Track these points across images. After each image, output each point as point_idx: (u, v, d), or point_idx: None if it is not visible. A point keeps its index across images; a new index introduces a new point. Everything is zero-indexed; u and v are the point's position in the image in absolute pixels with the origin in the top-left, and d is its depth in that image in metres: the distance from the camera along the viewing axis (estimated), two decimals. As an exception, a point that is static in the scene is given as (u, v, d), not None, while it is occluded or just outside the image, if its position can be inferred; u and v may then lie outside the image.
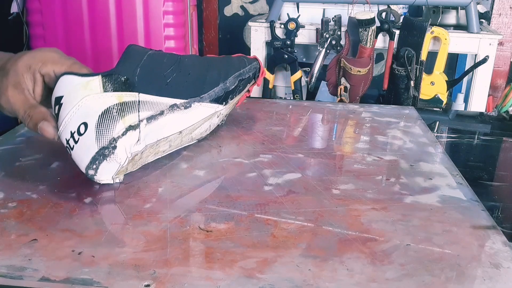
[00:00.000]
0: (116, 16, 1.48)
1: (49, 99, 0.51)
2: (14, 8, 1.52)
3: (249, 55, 0.67)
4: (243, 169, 0.55)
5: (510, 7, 1.74)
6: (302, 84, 1.57)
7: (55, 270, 0.37)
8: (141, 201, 0.47)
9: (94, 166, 0.48)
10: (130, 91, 0.50)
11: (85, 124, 0.47)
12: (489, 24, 1.72)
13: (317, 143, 0.66)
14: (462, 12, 1.48)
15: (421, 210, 0.47)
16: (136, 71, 0.51)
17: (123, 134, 0.48)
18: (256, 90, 1.63)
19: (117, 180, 0.50)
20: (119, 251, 0.39)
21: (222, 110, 0.60)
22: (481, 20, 1.53)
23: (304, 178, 0.53)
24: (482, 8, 1.58)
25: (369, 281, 0.36)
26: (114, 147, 0.48)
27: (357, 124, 0.73)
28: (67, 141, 0.48)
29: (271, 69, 1.57)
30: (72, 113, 0.48)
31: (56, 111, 0.49)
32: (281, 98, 1.67)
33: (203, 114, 0.57)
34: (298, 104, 0.87)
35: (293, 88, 1.57)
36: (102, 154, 0.47)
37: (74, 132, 0.47)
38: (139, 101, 0.50)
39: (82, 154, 0.48)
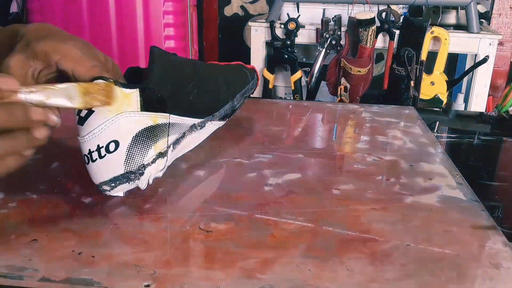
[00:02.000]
0: (116, 16, 1.48)
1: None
2: (14, 8, 1.52)
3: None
4: (243, 169, 0.55)
5: (510, 7, 1.74)
6: (302, 84, 1.57)
7: (55, 270, 0.37)
8: (141, 201, 0.47)
9: (113, 185, 0.45)
10: (163, 112, 0.48)
11: (116, 143, 0.44)
12: (489, 24, 1.72)
13: (317, 143, 0.66)
14: (462, 12, 1.48)
15: (421, 210, 0.47)
16: (167, 87, 0.49)
17: (152, 162, 0.46)
18: (256, 90, 1.63)
19: (124, 194, 0.49)
20: (119, 251, 0.39)
21: (222, 126, 0.61)
22: (481, 20, 1.53)
23: (304, 178, 0.53)
24: (482, 8, 1.58)
25: (369, 281, 0.36)
26: (142, 174, 0.45)
27: (357, 124, 0.73)
28: (90, 152, 0.44)
29: (271, 69, 1.57)
30: (104, 127, 0.44)
31: (83, 115, 0.44)
32: (281, 98, 1.67)
33: (210, 132, 0.58)
34: (298, 104, 0.87)
35: (293, 88, 1.57)
36: (126, 177, 0.45)
37: (102, 147, 0.44)
38: (169, 124, 0.49)
39: (104, 171, 0.45)
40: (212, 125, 0.58)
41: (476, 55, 1.43)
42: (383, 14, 1.43)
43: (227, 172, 0.54)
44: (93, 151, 0.44)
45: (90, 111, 0.44)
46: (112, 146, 0.44)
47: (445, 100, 1.45)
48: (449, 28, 1.47)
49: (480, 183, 0.56)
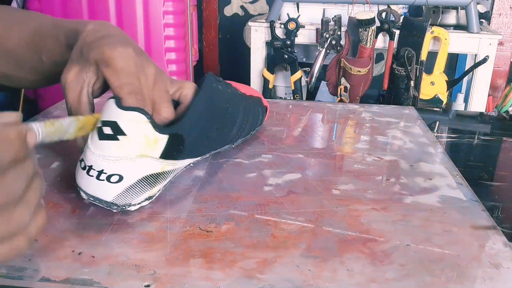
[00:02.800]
0: (116, 16, 1.48)
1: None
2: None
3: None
4: (243, 169, 0.55)
5: (510, 7, 1.74)
6: (302, 84, 1.57)
7: (55, 270, 0.37)
8: (141, 201, 0.47)
9: (91, 199, 0.44)
10: (175, 160, 0.48)
11: (120, 178, 0.43)
12: (489, 24, 1.72)
13: (317, 143, 0.66)
14: (462, 12, 1.48)
15: (421, 210, 0.47)
16: (195, 133, 0.49)
17: (139, 204, 0.45)
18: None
19: None
20: (119, 251, 0.39)
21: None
22: (481, 20, 1.53)
23: (304, 178, 0.53)
24: (482, 8, 1.58)
25: (369, 281, 0.36)
26: (123, 208, 0.45)
27: (357, 124, 0.73)
28: (90, 167, 0.43)
29: (271, 69, 1.57)
30: (119, 160, 0.43)
31: (106, 132, 0.43)
32: (281, 98, 1.67)
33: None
34: (298, 104, 0.87)
35: (293, 88, 1.57)
36: (108, 205, 0.44)
37: (105, 173, 0.43)
38: (172, 170, 0.48)
39: (92, 188, 0.44)
40: (201, 159, 0.56)
41: (476, 55, 1.43)
42: (383, 14, 1.43)
43: (227, 172, 0.54)
44: (94, 170, 0.43)
45: (115, 136, 0.43)
46: (114, 179, 0.43)
47: (445, 100, 1.45)
48: (449, 28, 1.47)
49: (480, 183, 0.56)
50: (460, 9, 1.48)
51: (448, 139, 0.71)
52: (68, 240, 0.41)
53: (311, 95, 1.71)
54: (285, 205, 0.47)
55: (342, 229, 0.43)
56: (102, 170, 0.43)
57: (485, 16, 1.64)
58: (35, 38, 0.57)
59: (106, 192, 0.43)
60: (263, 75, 1.58)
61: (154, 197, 0.47)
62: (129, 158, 0.43)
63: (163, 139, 0.45)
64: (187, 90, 0.51)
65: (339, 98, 1.47)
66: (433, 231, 0.43)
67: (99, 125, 0.43)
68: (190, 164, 0.53)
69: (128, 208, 0.45)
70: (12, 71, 0.60)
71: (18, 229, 0.31)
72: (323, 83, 1.72)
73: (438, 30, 1.39)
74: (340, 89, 1.46)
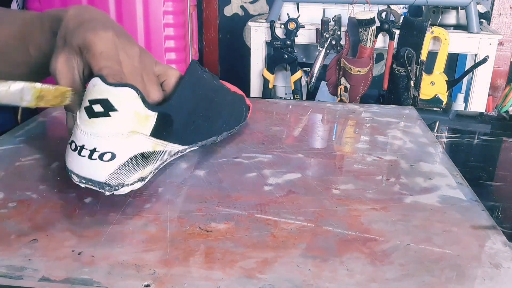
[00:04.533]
0: (116, 16, 1.48)
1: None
2: (13, 8, 1.52)
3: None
4: (243, 169, 0.55)
5: (510, 7, 1.74)
6: (302, 84, 1.57)
7: (55, 270, 0.37)
8: (141, 201, 0.47)
9: (83, 181, 0.44)
10: (164, 140, 0.48)
11: (112, 156, 0.43)
12: (489, 24, 1.72)
13: (317, 143, 0.66)
14: (462, 12, 1.48)
15: (421, 210, 0.47)
16: (182, 114, 0.50)
17: (131, 184, 0.45)
18: (256, 90, 1.63)
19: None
20: (119, 251, 0.39)
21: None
22: (481, 20, 1.53)
23: (304, 178, 0.53)
24: (482, 8, 1.58)
25: (369, 281, 0.36)
26: (116, 189, 0.45)
27: (357, 124, 0.73)
28: (82, 146, 0.43)
29: (271, 69, 1.57)
30: (111, 136, 0.43)
31: (97, 110, 0.43)
32: (281, 98, 1.67)
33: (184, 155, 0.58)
34: (298, 104, 0.87)
35: (293, 88, 1.57)
36: (101, 186, 0.44)
37: (97, 152, 0.43)
38: (163, 151, 0.49)
39: (85, 169, 0.44)
40: (189, 151, 0.57)
41: (476, 55, 1.43)
42: (383, 14, 1.43)
43: (227, 172, 0.54)
44: (86, 149, 0.43)
45: (107, 113, 0.43)
46: (107, 157, 0.43)
47: (445, 100, 1.45)
48: (449, 28, 1.47)
49: (480, 183, 0.56)
50: (460, 9, 1.48)
51: (448, 139, 0.71)
52: (68, 240, 0.41)
53: (311, 95, 1.71)
54: (285, 205, 0.47)
55: (342, 229, 0.43)
56: (95, 148, 0.43)
57: (485, 16, 1.64)
58: (22, 31, 0.57)
59: (98, 171, 0.43)
60: (263, 75, 1.58)
61: (147, 179, 0.47)
62: (121, 134, 0.43)
63: (153, 116, 0.45)
64: (171, 78, 0.52)
65: (339, 98, 1.47)
66: (433, 231, 0.43)
67: (87, 104, 0.43)
68: (179, 152, 0.54)
69: (121, 190, 0.45)
70: (1, 68, 0.60)
71: None
72: (323, 83, 1.72)
73: (438, 30, 1.40)
74: (340, 89, 1.46)
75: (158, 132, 0.47)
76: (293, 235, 0.42)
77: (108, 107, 0.43)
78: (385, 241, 0.41)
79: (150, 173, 0.48)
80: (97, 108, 0.43)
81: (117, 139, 0.43)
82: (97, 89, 0.43)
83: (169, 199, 0.48)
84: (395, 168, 0.57)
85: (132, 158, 0.44)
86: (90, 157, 0.43)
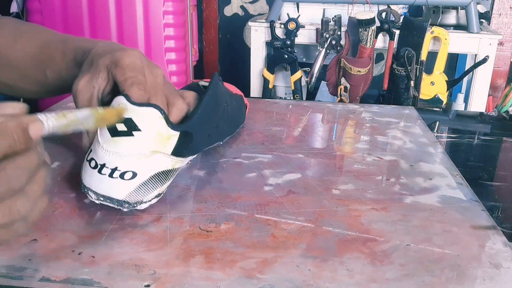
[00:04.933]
0: (116, 16, 1.48)
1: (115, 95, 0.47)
2: (13, 8, 1.52)
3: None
4: (243, 169, 0.55)
5: (510, 7, 1.74)
6: (302, 84, 1.57)
7: (55, 270, 0.37)
8: (141, 201, 0.47)
9: (101, 199, 0.44)
10: (184, 157, 0.48)
11: (134, 174, 0.43)
12: (489, 24, 1.72)
13: (317, 143, 0.66)
14: (462, 12, 1.48)
15: (421, 210, 0.47)
16: (203, 133, 0.50)
17: (149, 201, 0.45)
18: (256, 90, 1.63)
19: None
20: (119, 251, 0.39)
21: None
22: (481, 20, 1.53)
23: (304, 178, 0.53)
24: (482, 8, 1.58)
25: (369, 281, 0.36)
26: (134, 206, 0.44)
27: (357, 124, 0.73)
28: (103, 165, 0.43)
29: (271, 69, 1.57)
30: (134, 156, 0.43)
31: (120, 129, 0.43)
32: (281, 98, 1.67)
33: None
34: (298, 104, 0.87)
35: (293, 88, 1.57)
36: (119, 203, 0.44)
37: (119, 170, 0.43)
38: (180, 168, 0.49)
39: (104, 187, 0.43)
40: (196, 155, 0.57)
41: (476, 55, 1.43)
42: (383, 14, 1.43)
43: (227, 172, 0.54)
44: (107, 168, 0.43)
45: (130, 133, 0.43)
46: (128, 175, 0.43)
47: (445, 100, 1.45)
48: (449, 28, 1.47)
49: (480, 183, 0.56)
50: (460, 9, 1.48)
51: (448, 139, 0.71)
52: (68, 240, 0.41)
53: (311, 95, 1.71)
54: (285, 205, 0.47)
55: (342, 229, 0.43)
56: (116, 167, 0.43)
57: (485, 16, 1.64)
58: (42, 52, 0.59)
59: (119, 190, 0.43)
60: (263, 75, 1.58)
61: (162, 194, 0.47)
62: (143, 154, 0.43)
63: (175, 135, 0.45)
64: (189, 98, 0.53)
65: (339, 98, 1.47)
66: (433, 231, 0.43)
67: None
68: (189, 161, 0.54)
69: (139, 207, 0.45)
70: (15, 82, 0.62)
71: (19, 218, 0.31)
72: (323, 83, 1.72)
73: (438, 30, 1.39)
74: (340, 89, 1.46)
75: (179, 151, 0.46)
76: (293, 235, 0.42)
77: (132, 127, 0.43)
78: (385, 241, 0.41)
79: (166, 189, 0.48)
80: (121, 127, 0.43)
81: (139, 158, 0.43)
82: (121, 106, 0.43)
83: (169, 199, 0.48)
84: (395, 168, 0.57)
85: (152, 176, 0.44)
86: (111, 175, 0.43)
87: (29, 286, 0.35)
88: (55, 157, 0.57)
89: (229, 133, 0.62)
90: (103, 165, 0.43)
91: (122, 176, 0.43)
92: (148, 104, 0.44)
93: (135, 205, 0.44)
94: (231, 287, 0.35)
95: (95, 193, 0.44)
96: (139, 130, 0.43)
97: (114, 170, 0.43)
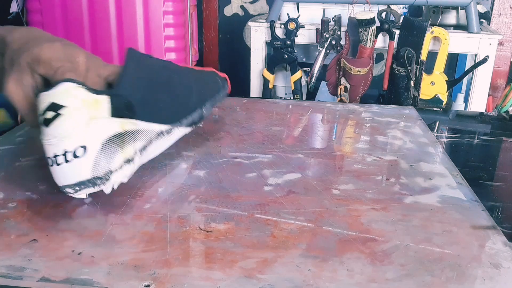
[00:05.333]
0: (116, 16, 1.48)
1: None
2: (13, 8, 1.52)
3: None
4: (243, 169, 0.55)
5: (510, 7, 1.74)
6: (302, 84, 1.57)
7: (55, 270, 0.37)
8: (141, 201, 0.47)
9: (77, 188, 0.45)
10: (131, 118, 0.48)
11: (84, 148, 0.44)
12: (489, 24, 1.72)
13: (317, 143, 0.66)
14: (462, 12, 1.48)
15: (421, 210, 0.47)
16: (137, 93, 0.50)
17: (120, 168, 0.46)
18: (256, 90, 1.63)
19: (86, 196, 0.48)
20: (119, 251, 0.39)
21: (188, 132, 0.60)
22: (481, 20, 1.53)
23: (304, 178, 0.53)
24: (482, 8, 1.58)
25: (369, 281, 0.36)
26: (108, 179, 0.45)
27: (357, 124, 0.73)
28: (55, 156, 0.44)
29: (271, 69, 1.56)
30: (73, 131, 0.44)
31: (50, 116, 0.44)
32: (281, 98, 1.67)
33: (176, 138, 0.57)
34: (298, 104, 0.87)
35: (293, 88, 1.57)
36: (92, 182, 0.44)
37: (69, 152, 0.43)
38: (137, 130, 0.49)
39: (69, 175, 0.44)
40: (179, 131, 0.57)
41: (476, 55, 1.43)
42: (383, 14, 1.43)
43: (227, 172, 0.54)
44: (59, 155, 0.44)
45: (58, 113, 0.44)
46: (79, 151, 0.43)
47: (445, 100, 1.45)
48: (449, 28, 1.47)
49: (480, 183, 0.56)
50: (460, 9, 1.48)
51: (448, 139, 0.71)
52: (68, 240, 0.41)
53: (311, 95, 1.71)
54: (285, 205, 0.47)
55: (342, 229, 0.43)
56: (65, 150, 0.43)
57: (485, 16, 1.64)
58: None
59: (81, 169, 0.44)
60: (263, 75, 1.58)
61: (135, 162, 0.48)
62: (80, 125, 0.44)
63: (104, 99, 0.46)
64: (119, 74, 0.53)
65: (339, 98, 1.47)
66: (433, 231, 0.43)
67: (40, 118, 0.44)
68: (163, 132, 0.53)
69: (114, 177, 0.45)
70: None
71: None
72: (323, 83, 1.72)
73: (438, 30, 1.39)
74: (340, 89, 1.46)
75: (119, 111, 0.47)
76: (293, 235, 0.42)
77: (56, 108, 0.44)
78: (385, 241, 0.41)
79: (135, 154, 0.48)
80: (49, 115, 0.44)
81: (79, 130, 0.44)
82: (41, 99, 0.44)
83: (169, 199, 0.48)
84: (395, 168, 0.57)
85: (104, 143, 0.45)
86: (66, 161, 0.44)
87: (29, 286, 0.35)
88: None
89: (207, 100, 0.60)
90: (55, 157, 0.44)
91: (75, 155, 0.43)
92: (59, 82, 0.44)
93: (107, 176, 0.45)
94: (231, 287, 0.35)
95: (69, 186, 0.45)
96: (63, 106, 0.43)
97: (65, 154, 0.43)
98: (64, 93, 0.44)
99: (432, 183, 0.53)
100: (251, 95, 1.63)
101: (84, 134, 0.44)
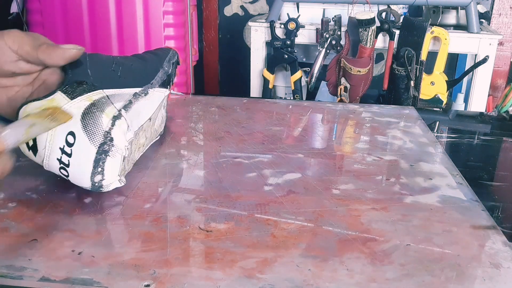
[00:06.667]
0: (116, 16, 1.48)
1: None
2: (14, 8, 1.52)
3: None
4: (243, 169, 0.55)
5: (510, 7, 1.74)
6: (302, 84, 1.57)
7: (55, 270, 0.37)
8: (141, 201, 0.47)
9: (100, 169, 0.46)
10: (94, 90, 0.49)
11: (72, 133, 0.45)
12: (489, 24, 1.72)
13: (317, 143, 0.66)
14: (462, 12, 1.48)
15: (421, 210, 0.47)
16: (88, 72, 0.50)
17: (112, 125, 0.46)
18: (256, 90, 1.63)
19: (122, 183, 0.49)
20: (119, 251, 0.39)
21: (167, 95, 0.61)
22: (481, 20, 1.53)
23: (304, 178, 0.53)
24: (482, 8, 1.58)
25: (369, 281, 0.36)
26: (111, 139, 0.46)
27: (357, 124, 0.73)
28: (60, 160, 0.45)
29: (271, 69, 1.57)
30: (52, 132, 0.45)
31: (32, 143, 0.46)
32: (281, 98, 1.67)
33: (158, 99, 0.58)
34: (298, 104, 0.87)
35: (293, 88, 1.57)
36: (103, 151, 0.46)
37: (64, 146, 0.45)
38: (107, 96, 0.49)
39: (82, 163, 0.45)
40: (156, 92, 0.57)
41: (476, 55, 1.43)
42: (383, 14, 1.43)
43: (227, 172, 0.54)
44: (61, 156, 0.45)
45: (34, 138, 0.45)
46: (70, 139, 0.45)
47: (445, 100, 1.45)
48: (449, 28, 1.47)
49: (480, 183, 0.56)
50: (460, 9, 1.48)
51: (448, 139, 0.71)
52: (68, 240, 0.41)
53: (311, 95, 1.71)
54: (285, 205, 0.47)
55: (342, 228, 0.43)
56: (60, 147, 0.45)
57: (485, 16, 1.64)
58: None
59: (85, 149, 0.45)
60: (263, 75, 1.58)
61: (124, 115, 0.48)
62: (52, 124, 0.45)
63: (56, 95, 0.46)
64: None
65: (339, 98, 1.47)
66: (433, 231, 0.43)
67: (28, 149, 0.47)
68: (136, 93, 0.54)
69: (113, 134, 0.46)
70: None
71: None
72: (323, 83, 1.72)
73: (438, 30, 1.39)
74: (340, 89, 1.46)
75: (77, 94, 0.47)
76: (293, 235, 0.42)
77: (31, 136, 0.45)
78: (385, 241, 0.41)
79: (119, 111, 0.48)
80: (30, 142, 0.46)
81: (57, 128, 0.45)
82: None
83: (169, 199, 0.48)
84: (395, 168, 0.57)
85: (82, 117, 0.45)
86: (69, 155, 0.45)
87: (29, 286, 0.35)
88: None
89: (162, 58, 0.61)
90: (60, 161, 0.46)
91: (69, 144, 0.45)
92: (20, 107, 0.46)
93: (108, 136, 0.46)
94: (231, 287, 0.35)
95: (94, 175, 0.46)
96: (33, 123, 0.45)
97: (63, 151, 0.45)
98: (24, 113, 0.46)
99: (432, 183, 0.53)
100: (251, 95, 1.64)
101: (62, 127, 0.45)
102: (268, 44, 1.55)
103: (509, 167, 0.65)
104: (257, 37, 1.57)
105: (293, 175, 0.54)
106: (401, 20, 1.43)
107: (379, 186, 0.52)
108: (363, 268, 0.38)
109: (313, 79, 1.48)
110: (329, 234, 0.42)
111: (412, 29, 1.38)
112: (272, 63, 1.56)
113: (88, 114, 0.46)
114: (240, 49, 2.12)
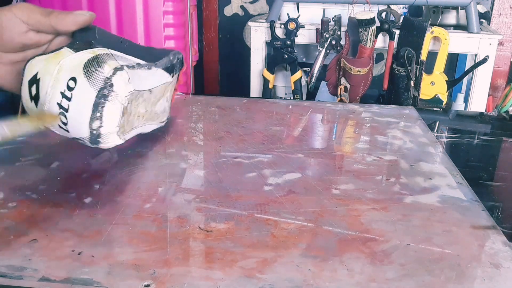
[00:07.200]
0: (116, 16, 1.48)
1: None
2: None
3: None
4: (243, 169, 0.55)
5: (510, 7, 1.74)
6: (302, 84, 1.57)
7: (55, 270, 0.37)
8: (141, 201, 0.47)
9: (99, 114, 0.45)
10: (100, 47, 0.49)
11: (73, 78, 0.46)
12: (489, 24, 1.72)
13: (317, 143, 0.66)
14: (462, 12, 1.48)
15: (421, 210, 0.47)
16: (95, 36, 0.50)
17: (113, 73, 0.46)
18: (256, 90, 1.63)
19: (122, 140, 0.49)
20: (119, 251, 0.39)
21: (171, 83, 0.60)
22: (481, 20, 1.53)
23: (304, 178, 0.53)
24: (482, 8, 1.58)
25: (369, 281, 0.36)
26: (111, 85, 0.46)
27: (357, 124, 0.73)
28: (60, 105, 0.46)
29: (271, 69, 1.56)
30: (55, 77, 0.46)
31: (35, 91, 0.47)
32: (281, 98, 1.67)
33: (162, 79, 0.57)
34: (298, 104, 0.87)
35: (293, 88, 1.57)
36: (102, 95, 0.45)
37: (64, 90, 0.45)
38: (111, 54, 0.49)
39: (82, 107, 0.46)
40: (159, 72, 0.56)
41: (476, 55, 1.43)
42: (383, 14, 1.43)
43: (227, 172, 0.54)
44: (61, 101, 0.46)
45: (37, 81, 0.47)
46: (72, 83, 0.45)
47: (445, 100, 1.45)
48: (449, 28, 1.47)
49: (480, 183, 0.56)
50: (460, 9, 1.48)
51: (448, 139, 0.71)
52: (68, 240, 0.41)
53: (311, 95, 1.71)
54: (285, 205, 0.47)
55: (342, 228, 0.43)
56: (60, 92, 0.46)
57: (485, 16, 1.64)
58: None
59: (85, 93, 0.46)
60: (263, 75, 1.58)
61: (126, 69, 0.48)
62: (56, 69, 0.46)
63: (62, 49, 0.48)
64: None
65: (339, 98, 1.47)
66: (433, 231, 0.43)
67: (29, 103, 0.48)
68: (140, 63, 0.53)
69: (113, 81, 0.46)
70: None
71: None
72: (323, 83, 1.72)
73: (438, 30, 1.39)
74: (340, 89, 1.46)
75: (83, 48, 0.48)
76: (293, 235, 0.42)
77: (33, 78, 0.47)
78: (385, 241, 0.41)
79: (122, 65, 0.48)
80: (34, 88, 0.47)
81: (60, 72, 0.46)
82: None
83: (169, 199, 0.48)
84: (395, 168, 0.57)
85: (84, 67, 0.46)
86: (69, 99, 0.46)
87: (29, 286, 0.35)
88: (55, 157, 0.57)
89: (166, 52, 0.61)
90: (60, 106, 0.46)
91: (70, 88, 0.46)
92: (27, 61, 0.48)
93: (109, 81, 0.46)
94: (231, 287, 0.35)
95: (93, 120, 0.46)
96: (36, 72, 0.47)
97: (63, 95, 0.46)
98: (30, 67, 0.48)
99: (432, 183, 0.53)
100: (251, 95, 1.63)
101: (64, 71, 0.46)
102: (268, 44, 1.55)
103: (509, 167, 0.65)
104: (257, 37, 1.57)
105: (293, 175, 0.54)
106: (401, 20, 1.43)
107: (379, 186, 0.52)
108: (363, 268, 0.38)
109: (313, 79, 1.48)
110: (329, 234, 0.42)
111: (412, 29, 1.38)
112: (272, 63, 1.56)
113: (90, 62, 0.46)
114: (240, 49, 2.12)
